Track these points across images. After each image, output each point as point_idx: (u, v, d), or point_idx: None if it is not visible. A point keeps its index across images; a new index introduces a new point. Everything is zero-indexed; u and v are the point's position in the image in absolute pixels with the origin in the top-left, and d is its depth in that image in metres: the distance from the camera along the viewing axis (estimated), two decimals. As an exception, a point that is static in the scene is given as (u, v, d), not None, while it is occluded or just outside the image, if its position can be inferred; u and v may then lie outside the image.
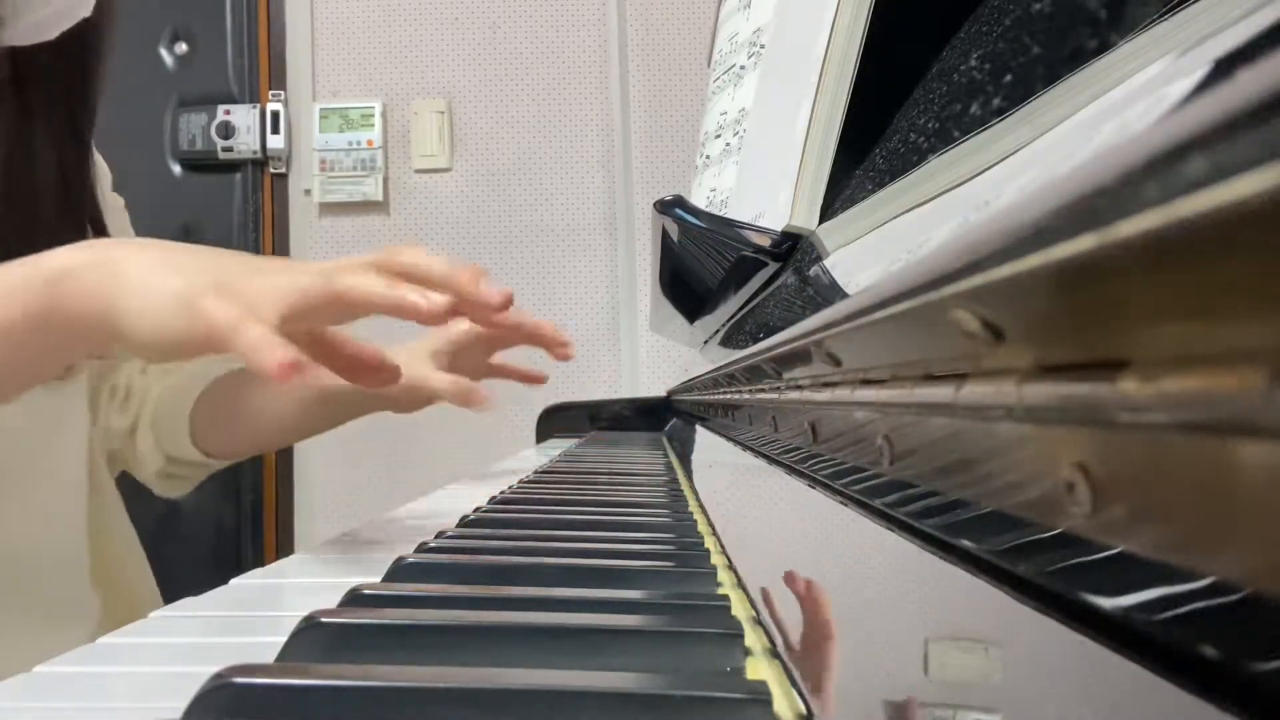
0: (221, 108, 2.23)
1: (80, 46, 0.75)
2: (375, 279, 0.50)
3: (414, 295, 0.49)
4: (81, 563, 0.80)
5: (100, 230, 0.80)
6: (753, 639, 0.34)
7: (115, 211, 0.87)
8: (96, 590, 0.81)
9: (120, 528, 0.87)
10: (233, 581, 0.46)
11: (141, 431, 0.86)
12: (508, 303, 0.53)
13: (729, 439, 0.71)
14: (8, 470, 0.73)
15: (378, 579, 0.40)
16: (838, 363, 0.31)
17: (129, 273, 0.50)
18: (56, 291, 0.51)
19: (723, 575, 0.43)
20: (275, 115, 2.23)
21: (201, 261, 0.51)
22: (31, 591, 0.74)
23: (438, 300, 0.50)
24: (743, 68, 0.71)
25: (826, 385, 0.34)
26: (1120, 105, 0.18)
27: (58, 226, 0.74)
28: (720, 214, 0.66)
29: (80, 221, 0.78)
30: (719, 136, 0.73)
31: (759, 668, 0.31)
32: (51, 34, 0.72)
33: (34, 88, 0.74)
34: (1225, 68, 0.10)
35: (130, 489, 0.89)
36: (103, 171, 0.86)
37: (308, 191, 2.23)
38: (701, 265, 0.73)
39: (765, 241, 0.54)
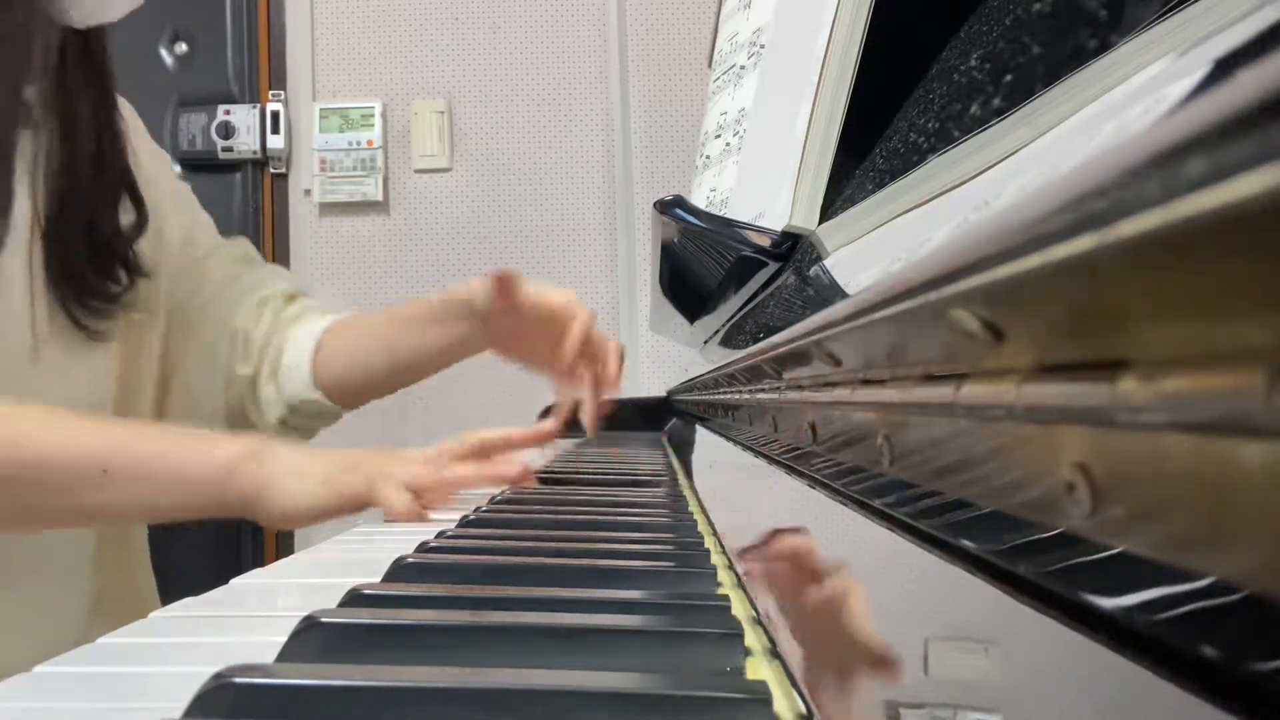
0: (221, 108, 2.23)
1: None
2: (468, 468, 0.70)
3: (500, 470, 0.72)
4: (86, 543, 0.80)
5: (134, 194, 0.82)
6: (753, 639, 0.34)
7: (157, 160, 0.88)
8: (97, 572, 0.81)
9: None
10: (233, 581, 0.46)
11: (263, 377, 0.88)
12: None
13: (729, 439, 0.71)
14: None
15: (378, 579, 0.40)
16: (838, 363, 0.31)
17: (281, 461, 0.67)
18: (228, 481, 0.67)
19: (723, 575, 0.43)
20: (275, 115, 2.23)
21: (333, 455, 0.70)
22: (32, 565, 0.75)
23: (519, 465, 0.72)
24: (743, 68, 0.71)
25: (826, 385, 0.33)
26: (1120, 105, 0.18)
27: (94, 189, 0.78)
28: (720, 214, 0.66)
29: (114, 185, 0.80)
30: (719, 136, 0.73)
31: (759, 668, 0.31)
32: (115, 15, 0.76)
33: (74, 64, 0.77)
34: (1225, 68, 0.10)
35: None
36: (138, 129, 0.87)
37: (308, 191, 2.23)
38: (701, 265, 0.73)
39: (765, 241, 0.54)
